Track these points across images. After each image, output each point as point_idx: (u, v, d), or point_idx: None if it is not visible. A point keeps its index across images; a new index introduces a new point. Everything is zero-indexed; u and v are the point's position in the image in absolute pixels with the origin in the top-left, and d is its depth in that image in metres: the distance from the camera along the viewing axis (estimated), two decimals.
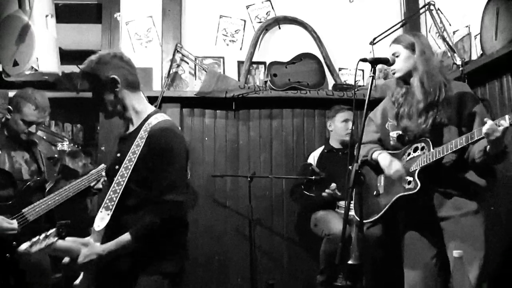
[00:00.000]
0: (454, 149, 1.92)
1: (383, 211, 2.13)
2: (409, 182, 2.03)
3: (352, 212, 2.54)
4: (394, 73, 2.19)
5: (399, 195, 2.07)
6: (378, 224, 2.37)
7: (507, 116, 1.76)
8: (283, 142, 3.63)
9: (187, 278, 3.41)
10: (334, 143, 3.33)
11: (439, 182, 2.05)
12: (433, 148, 2.01)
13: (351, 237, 2.71)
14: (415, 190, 2.01)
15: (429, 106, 2.04)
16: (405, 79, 2.17)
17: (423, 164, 2.02)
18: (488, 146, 1.85)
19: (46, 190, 2.43)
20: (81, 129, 6.72)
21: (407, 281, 2.21)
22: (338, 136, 3.29)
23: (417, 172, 2.03)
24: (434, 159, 1.98)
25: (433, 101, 2.04)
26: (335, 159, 3.24)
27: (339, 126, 3.27)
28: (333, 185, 3.03)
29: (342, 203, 2.96)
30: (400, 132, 2.16)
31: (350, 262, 2.59)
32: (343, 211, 2.88)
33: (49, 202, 2.33)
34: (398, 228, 2.32)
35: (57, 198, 2.34)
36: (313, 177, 3.05)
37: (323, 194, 3.02)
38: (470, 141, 1.87)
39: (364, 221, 2.22)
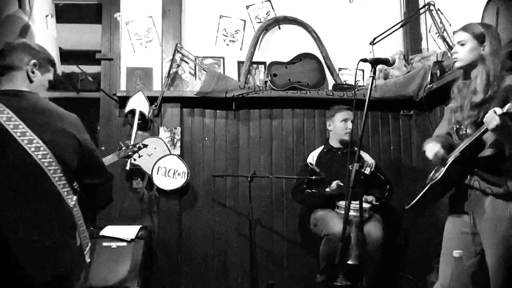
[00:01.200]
0: (472, 139, 1.89)
1: (416, 199, 2.12)
2: (441, 172, 2.01)
3: (352, 212, 2.55)
4: (455, 62, 2.09)
5: (430, 183, 2.06)
6: (420, 210, 2.30)
7: (508, 104, 1.70)
8: (283, 142, 3.63)
9: (187, 278, 3.41)
10: (334, 143, 3.33)
11: (475, 178, 1.99)
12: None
13: (350, 237, 2.72)
14: (437, 179, 2.00)
15: (485, 100, 1.95)
16: (466, 70, 2.08)
17: (453, 157, 1.99)
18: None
19: None
20: None
21: (440, 275, 2.14)
22: (337, 135, 3.29)
23: (448, 163, 2.00)
24: (459, 151, 1.96)
25: (491, 95, 1.95)
26: (335, 158, 3.25)
27: (338, 125, 3.27)
28: (334, 184, 3.02)
29: (342, 203, 2.95)
30: (457, 126, 2.09)
31: (349, 262, 2.59)
32: (342, 211, 2.88)
33: None
34: (398, 229, 2.31)
35: None
36: (313, 177, 3.05)
37: (327, 190, 3.02)
38: (478, 134, 1.85)
39: (406, 207, 2.21)
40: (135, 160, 3.17)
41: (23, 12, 3.01)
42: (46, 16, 3.10)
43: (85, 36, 4.34)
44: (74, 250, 1.71)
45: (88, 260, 1.83)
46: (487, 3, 2.75)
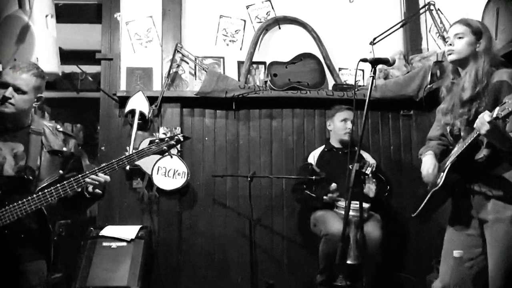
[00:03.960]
0: (466, 144, 1.87)
1: (421, 207, 2.13)
2: (441, 178, 2.01)
3: (351, 212, 2.55)
4: (450, 54, 2.05)
5: (431, 191, 2.06)
6: (423, 218, 2.31)
7: (497, 108, 1.69)
8: (283, 142, 3.63)
9: (187, 278, 3.41)
10: (334, 143, 3.33)
11: (474, 181, 1.98)
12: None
13: (349, 237, 2.72)
14: (437, 187, 2.00)
15: (474, 97, 1.94)
16: (459, 64, 2.06)
17: (451, 161, 1.98)
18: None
19: (38, 188, 1.98)
20: (81, 128, 6.72)
21: (440, 274, 2.15)
22: (337, 135, 3.29)
23: (447, 169, 1.99)
24: (457, 155, 1.95)
25: (480, 91, 1.93)
26: (335, 158, 3.25)
27: (338, 125, 3.27)
28: (334, 185, 3.03)
29: (341, 203, 2.96)
30: (450, 128, 2.08)
31: (348, 262, 2.59)
32: (342, 211, 2.88)
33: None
34: (398, 230, 2.31)
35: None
36: (313, 177, 3.06)
37: (325, 198, 3.02)
38: (471, 139, 1.84)
39: (413, 214, 2.21)
40: (171, 157, 2.85)
41: (23, 12, 3.01)
42: (46, 16, 3.10)
43: (85, 36, 4.34)
44: None
45: None
46: (487, 3, 2.75)
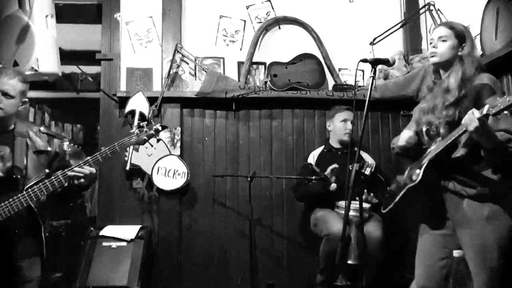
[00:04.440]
0: (449, 141, 1.89)
1: (393, 203, 2.11)
2: (418, 174, 2.00)
3: (351, 213, 2.55)
4: (432, 56, 2.08)
5: (407, 187, 2.04)
6: (398, 213, 2.31)
7: (486, 106, 1.70)
8: (283, 142, 3.63)
9: (187, 278, 3.41)
10: (334, 143, 3.33)
11: (449, 179, 1.99)
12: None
13: (350, 237, 2.72)
14: (415, 182, 1.98)
15: (459, 99, 1.96)
16: (441, 67, 2.09)
17: (429, 158, 1.98)
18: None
19: (27, 186, 2.07)
20: (81, 129, 6.72)
21: (416, 275, 2.16)
22: (337, 136, 3.29)
23: (424, 165, 1.99)
24: (436, 152, 1.95)
25: (465, 94, 1.95)
26: (335, 158, 3.25)
27: (338, 126, 3.27)
28: (333, 185, 3.03)
29: (341, 203, 2.96)
30: (428, 127, 2.09)
31: (349, 262, 2.59)
32: (342, 211, 2.88)
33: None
34: (399, 230, 2.31)
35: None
36: (313, 177, 3.06)
37: (326, 173, 3.00)
38: (457, 135, 1.84)
39: (383, 210, 2.21)
40: (151, 145, 2.86)
41: (23, 12, 3.01)
42: (46, 16, 3.10)
43: (85, 36, 4.34)
44: None
45: None
46: (487, 3, 2.75)
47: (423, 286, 2.08)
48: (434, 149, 2.00)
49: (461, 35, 2.04)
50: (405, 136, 2.12)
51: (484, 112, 1.69)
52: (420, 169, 1.99)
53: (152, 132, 2.24)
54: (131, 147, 3.09)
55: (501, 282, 1.89)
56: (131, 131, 2.36)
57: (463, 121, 1.77)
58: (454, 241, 2.01)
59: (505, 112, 1.65)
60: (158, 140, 2.70)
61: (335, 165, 3.00)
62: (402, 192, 2.06)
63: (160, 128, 2.28)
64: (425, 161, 2.01)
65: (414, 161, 2.13)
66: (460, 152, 1.95)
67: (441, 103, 2.01)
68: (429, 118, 2.07)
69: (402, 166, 2.24)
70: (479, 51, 2.21)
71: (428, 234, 2.11)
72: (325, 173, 3.01)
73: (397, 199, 2.09)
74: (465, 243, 1.94)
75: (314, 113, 3.67)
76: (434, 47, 2.07)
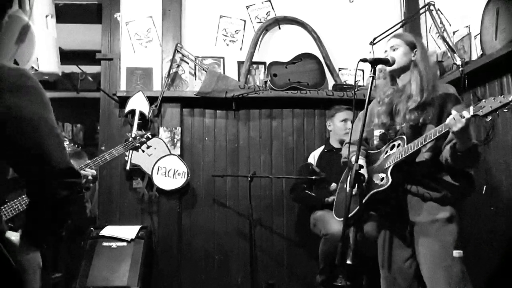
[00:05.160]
0: (423, 143, 1.91)
1: (357, 208, 2.08)
2: (382, 179, 2.02)
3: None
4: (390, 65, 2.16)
5: (373, 191, 2.04)
6: (361, 218, 2.31)
7: (471, 107, 1.73)
8: (283, 142, 3.63)
9: (187, 278, 3.41)
10: (334, 143, 3.33)
11: (413, 183, 2.04)
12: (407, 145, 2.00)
13: (349, 238, 2.71)
14: (386, 186, 1.98)
15: (421, 105, 2.03)
16: (397, 74, 2.17)
17: (395, 161, 2.00)
18: (456, 141, 1.83)
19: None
20: (81, 129, 6.73)
21: (382, 282, 2.23)
22: (337, 135, 3.29)
23: (390, 168, 2.01)
24: (405, 155, 1.97)
25: (426, 100, 2.03)
26: (335, 158, 3.24)
27: (338, 125, 3.27)
28: (333, 185, 3.03)
29: None
30: (383, 131, 2.16)
31: (348, 262, 2.59)
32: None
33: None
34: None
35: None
36: (313, 177, 3.06)
37: (327, 200, 3.02)
38: (438, 134, 1.85)
39: (340, 219, 2.25)
40: (143, 151, 2.96)
41: (23, 12, 3.01)
42: (46, 16, 3.10)
43: (85, 36, 4.34)
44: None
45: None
46: (487, 3, 2.75)
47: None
48: (396, 152, 2.02)
49: (410, 42, 2.16)
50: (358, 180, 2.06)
51: (471, 113, 1.72)
52: (386, 173, 2.01)
53: (143, 139, 2.66)
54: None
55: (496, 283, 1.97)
56: (128, 135, 2.79)
57: (447, 121, 1.79)
58: (411, 241, 2.08)
59: (497, 112, 1.69)
60: (143, 150, 2.84)
61: (334, 185, 3.01)
62: (367, 198, 2.04)
63: (150, 136, 2.71)
64: (388, 165, 2.02)
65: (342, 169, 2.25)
66: (424, 156, 2.01)
67: (405, 108, 2.07)
68: (387, 121, 2.14)
69: None
70: (433, 59, 2.35)
71: (388, 235, 2.18)
72: (330, 199, 3.02)
73: (360, 206, 2.05)
74: (422, 244, 2.00)
75: (314, 113, 3.67)
76: (387, 56, 2.15)
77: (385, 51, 2.21)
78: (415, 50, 2.13)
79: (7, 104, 1.12)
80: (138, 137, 2.67)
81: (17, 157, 1.18)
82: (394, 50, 2.15)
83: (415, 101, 2.03)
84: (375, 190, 2.03)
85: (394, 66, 2.14)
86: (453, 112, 1.78)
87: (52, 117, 1.22)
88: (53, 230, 1.27)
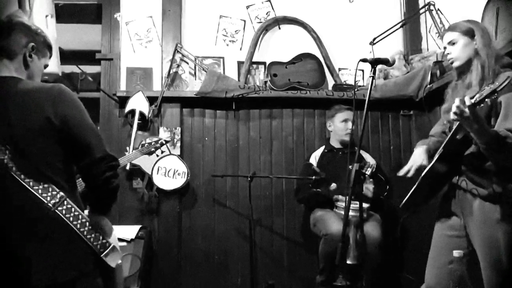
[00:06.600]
0: (450, 135, 1.87)
1: (407, 197, 2.08)
2: (426, 168, 1.98)
3: (351, 213, 2.54)
4: (452, 62, 2.07)
5: (418, 180, 2.01)
6: (412, 209, 2.28)
7: (477, 95, 1.67)
8: (283, 142, 3.63)
9: (187, 278, 3.41)
10: (334, 143, 3.33)
11: (462, 177, 1.96)
12: None
13: (349, 237, 2.72)
14: (423, 175, 1.97)
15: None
16: (464, 68, 2.04)
17: (438, 154, 1.95)
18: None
19: None
20: None
21: (426, 277, 2.13)
22: (337, 136, 3.29)
23: (435, 159, 1.95)
24: (442, 147, 1.93)
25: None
26: (335, 159, 3.25)
27: (338, 126, 3.27)
28: (334, 185, 3.03)
29: (340, 203, 2.96)
30: (449, 125, 2.06)
31: (348, 262, 2.59)
32: (342, 211, 2.88)
33: None
34: (399, 230, 2.29)
35: None
36: (314, 177, 3.06)
37: (332, 186, 3.02)
38: (457, 125, 1.82)
39: (400, 206, 2.18)
40: (157, 156, 3.26)
41: (23, 12, 3.00)
42: (46, 16, 3.09)
43: (85, 36, 4.33)
44: (75, 256, 1.52)
45: (113, 264, 1.62)
46: (487, 3, 2.75)
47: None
48: (443, 143, 1.96)
49: (468, 31, 2.01)
50: (416, 159, 2.09)
51: (474, 100, 1.66)
52: (430, 163, 1.97)
53: (158, 145, 2.93)
54: (132, 149, 3.28)
55: None
56: (141, 143, 3.11)
57: (453, 110, 1.73)
58: (465, 244, 1.98)
59: (487, 100, 1.63)
60: (165, 143, 3.10)
61: (334, 185, 3.02)
62: (414, 187, 2.02)
63: (164, 142, 3.00)
64: (436, 156, 1.97)
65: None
66: (471, 149, 1.92)
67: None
68: (449, 117, 2.00)
69: (402, 165, 2.24)
70: (494, 39, 2.16)
71: (439, 234, 2.09)
72: (330, 188, 3.04)
73: (409, 193, 2.05)
74: (477, 245, 1.91)
75: (314, 112, 3.67)
76: (448, 53, 2.06)
77: (444, 48, 2.10)
78: (474, 37, 1.99)
79: (61, 114, 1.52)
80: (153, 143, 2.90)
81: (71, 150, 1.55)
82: (453, 44, 2.03)
83: (474, 91, 1.87)
84: (419, 180, 2.00)
85: (458, 63, 2.03)
86: (457, 100, 1.71)
87: (88, 117, 1.62)
88: (109, 201, 1.67)
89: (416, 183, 2.03)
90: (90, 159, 1.53)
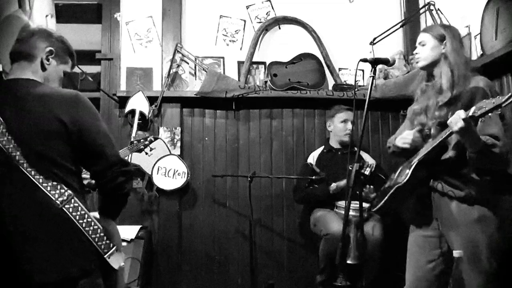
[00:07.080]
0: (437, 142, 1.88)
1: (382, 202, 2.09)
2: (406, 175, 1.99)
3: (351, 212, 2.55)
4: (417, 62, 2.11)
5: (395, 186, 2.02)
6: (387, 212, 2.29)
7: (473, 107, 1.69)
8: (283, 142, 3.63)
9: (187, 278, 3.41)
10: (334, 143, 3.33)
11: (439, 180, 1.99)
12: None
13: (349, 237, 2.72)
14: (402, 183, 1.97)
15: (452, 99, 1.95)
16: (428, 70, 2.10)
17: (419, 158, 1.98)
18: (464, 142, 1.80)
19: None
20: None
21: (406, 279, 2.18)
22: (337, 136, 3.29)
23: (413, 165, 1.98)
24: (425, 152, 1.95)
25: (457, 95, 1.94)
26: (335, 159, 3.25)
27: (338, 126, 3.27)
28: (333, 184, 3.03)
29: (341, 203, 2.95)
30: (419, 129, 2.09)
31: (348, 262, 2.59)
32: (342, 211, 2.88)
33: None
34: (399, 230, 2.28)
35: None
36: (313, 177, 3.06)
37: (331, 187, 3.03)
38: (444, 135, 1.83)
39: (372, 210, 2.21)
40: (146, 154, 3.13)
41: (23, 12, 3.00)
42: (46, 16, 3.10)
43: (85, 36, 4.33)
44: (78, 254, 1.52)
45: (116, 266, 1.61)
46: (487, 3, 2.75)
47: None
48: (423, 150, 1.99)
49: (439, 35, 2.07)
50: (409, 136, 2.08)
51: (470, 113, 1.69)
52: (410, 170, 1.98)
53: (146, 142, 2.84)
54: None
55: (499, 285, 1.88)
56: (131, 140, 2.98)
57: (448, 121, 1.77)
58: (441, 243, 2.02)
59: (490, 114, 1.65)
60: (147, 153, 3.04)
61: (334, 185, 3.03)
62: (391, 192, 2.05)
63: (153, 139, 2.89)
64: (415, 161, 2.00)
65: (407, 161, 2.12)
66: (449, 153, 1.95)
67: (434, 104, 2.01)
68: (422, 119, 2.07)
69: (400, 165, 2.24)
70: (467, 48, 2.19)
71: (415, 236, 2.12)
72: (329, 188, 3.04)
73: (385, 198, 2.07)
74: (456, 247, 1.92)
75: (314, 112, 3.67)
76: (416, 53, 2.11)
77: (415, 48, 2.15)
78: (444, 42, 2.04)
79: (76, 119, 1.55)
80: (142, 140, 2.81)
81: (84, 154, 1.59)
82: (422, 45, 2.09)
83: (446, 97, 1.95)
84: (396, 185, 2.01)
85: (422, 63, 2.09)
86: (456, 112, 1.74)
87: (103, 123, 1.65)
88: (119, 206, 1.70)
89: (393, 190, 2.04)
90: (104, 164, 1.58)
